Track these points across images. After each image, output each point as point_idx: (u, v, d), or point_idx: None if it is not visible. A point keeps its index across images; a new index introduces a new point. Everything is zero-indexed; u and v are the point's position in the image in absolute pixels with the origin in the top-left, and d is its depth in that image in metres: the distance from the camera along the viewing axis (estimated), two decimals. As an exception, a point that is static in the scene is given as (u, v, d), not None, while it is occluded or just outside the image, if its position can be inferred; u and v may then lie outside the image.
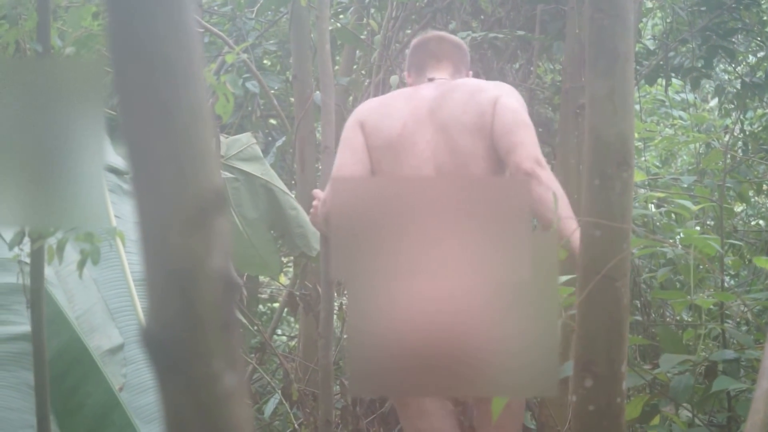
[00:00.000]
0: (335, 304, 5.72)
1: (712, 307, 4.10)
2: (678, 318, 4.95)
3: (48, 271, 2.97)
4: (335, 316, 5.76)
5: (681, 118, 7.40)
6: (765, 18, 6.29)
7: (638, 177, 3.96)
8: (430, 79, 3.51)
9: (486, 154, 3.30)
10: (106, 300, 3.40)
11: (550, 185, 3.14)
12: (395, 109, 3.39)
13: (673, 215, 5.24)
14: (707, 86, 7.94)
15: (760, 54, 6.94)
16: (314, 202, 3.50)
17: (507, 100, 3.34)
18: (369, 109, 3.45)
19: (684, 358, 3.17)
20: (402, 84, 5.32)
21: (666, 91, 7.06)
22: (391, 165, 3.31)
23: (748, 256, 5.82)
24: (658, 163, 7.32)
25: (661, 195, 4.51)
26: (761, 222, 7.15)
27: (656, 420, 3.42)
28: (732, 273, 5.80)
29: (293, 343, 7.06)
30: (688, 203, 3.74)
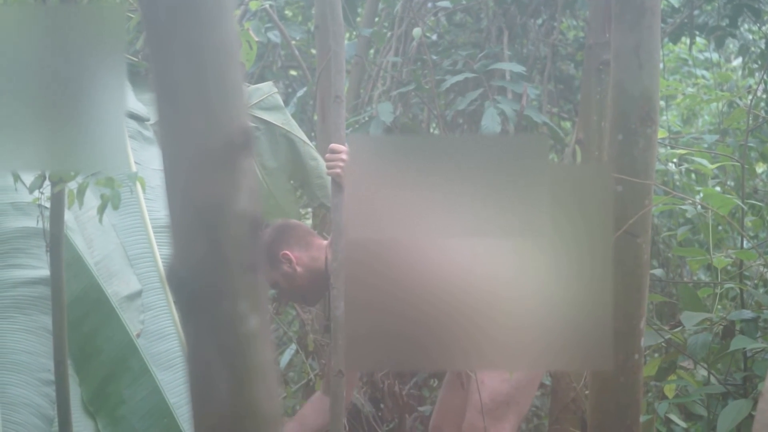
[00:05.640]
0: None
1: (730, 267, 4.09)
2: (695, 278, 4.93)
3: (67, 216, 2.98)
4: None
5: (704, 77, 7.32)
6: (793, -23, 6.19)
7: (659, 135, 3.93)
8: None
9: None
10: (125, 246, 3.40)
11: None
12: None
13: (693, 175, 5.21)
14: (731, 45, 7.85)
15: (787, 14, 6.84)
16: (327, 155, 3.48)
17: None
18: None
19: (704, 316, 3.17)
20: (425, 37, 5.28)
21: (690, 49, 6.98)
22: None
23: (768, 217, 5.76)
24: (680, 123, 7.25)
25: (683, 152, 4.47)
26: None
27: (673, 377, 3.43)
28: (752, 234, 5.75)
29: (309, 294, 7.07)
30: (706, 162, 3.72)
